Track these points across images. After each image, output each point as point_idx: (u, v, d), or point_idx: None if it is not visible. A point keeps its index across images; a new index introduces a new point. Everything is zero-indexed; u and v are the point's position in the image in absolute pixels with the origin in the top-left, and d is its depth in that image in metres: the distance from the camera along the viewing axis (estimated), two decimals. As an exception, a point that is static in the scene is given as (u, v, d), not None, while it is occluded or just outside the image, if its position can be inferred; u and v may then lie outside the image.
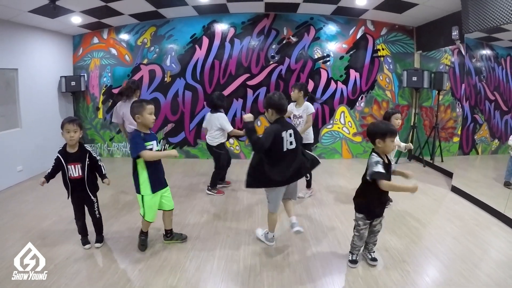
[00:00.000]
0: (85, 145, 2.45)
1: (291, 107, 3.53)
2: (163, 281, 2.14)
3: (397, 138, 3.09)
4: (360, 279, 2.16)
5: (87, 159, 2.39)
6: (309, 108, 3.44)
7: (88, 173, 2.42)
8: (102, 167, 2.52)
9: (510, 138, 3.56)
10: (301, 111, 3.48)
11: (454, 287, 2.08)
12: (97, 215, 2.57)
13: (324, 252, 2.51)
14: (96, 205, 2.55)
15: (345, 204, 3.46)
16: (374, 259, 2.33)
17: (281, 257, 2.43)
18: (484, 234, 2.80)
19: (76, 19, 4.54)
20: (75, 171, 2.36)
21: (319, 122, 5.41)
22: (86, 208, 2.55)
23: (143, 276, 2.19)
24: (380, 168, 2.01)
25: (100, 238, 2.61)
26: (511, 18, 2.94)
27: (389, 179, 2.08)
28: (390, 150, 2.07)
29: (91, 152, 2.44)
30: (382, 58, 5.30)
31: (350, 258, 2.33)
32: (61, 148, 2.39)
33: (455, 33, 4.12)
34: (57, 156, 2.36)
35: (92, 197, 2.49)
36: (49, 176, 2.37)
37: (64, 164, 2.34)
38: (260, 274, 2.21)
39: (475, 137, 4.32)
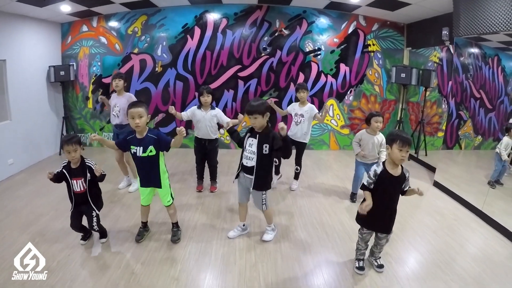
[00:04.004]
0: (86, 161, 2.40)
1: (293, 106, 3.70)
2: (165, 273, 2.25)
3: (381, 155, 3.09)
4: (347, 269, 2.34)
5: (88, 174, 2.37)
6: (314, 108, 3.60)
7: (91, 186, 2.42)
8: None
9: (501, 142, 3.50)
10: (303, 111, 3.59)
11: (431, 277, 2.28)
12: (96, 229, 2.51)
13: (314, 244, 2.67)
14: (95, 220, 2.47)
15: (332, 197, 3.63)
16: (381, 266, 2.33)
17: (274, 249, 2.58)
18: (462, 229, 2.99)
19: (65, 8, 4.41)
20: (77, 185, 2.37)
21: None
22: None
23: (145, 269, 2.29)
24: (365, 180, 2.12)
25: (103, 235, 2.64)
26: (502, 26, 2.96)
27: (380, 192, 2.06)
28: (397, 160, 2.01)
29: (92, 166, 2.38)
30: (372, 53, 5.40)
31: (357, 265, 2.33)
32: (65, 163, 2.38)
33: (445, 32, 4.19)
34: (62, 171, 2.35)
35: (93, 211, 2.46)
36: (55, 177, 2.35)
37: (69, 179, 2.35)
38: (256, 265, 2.36)
39: (459, 132, 4.49)
